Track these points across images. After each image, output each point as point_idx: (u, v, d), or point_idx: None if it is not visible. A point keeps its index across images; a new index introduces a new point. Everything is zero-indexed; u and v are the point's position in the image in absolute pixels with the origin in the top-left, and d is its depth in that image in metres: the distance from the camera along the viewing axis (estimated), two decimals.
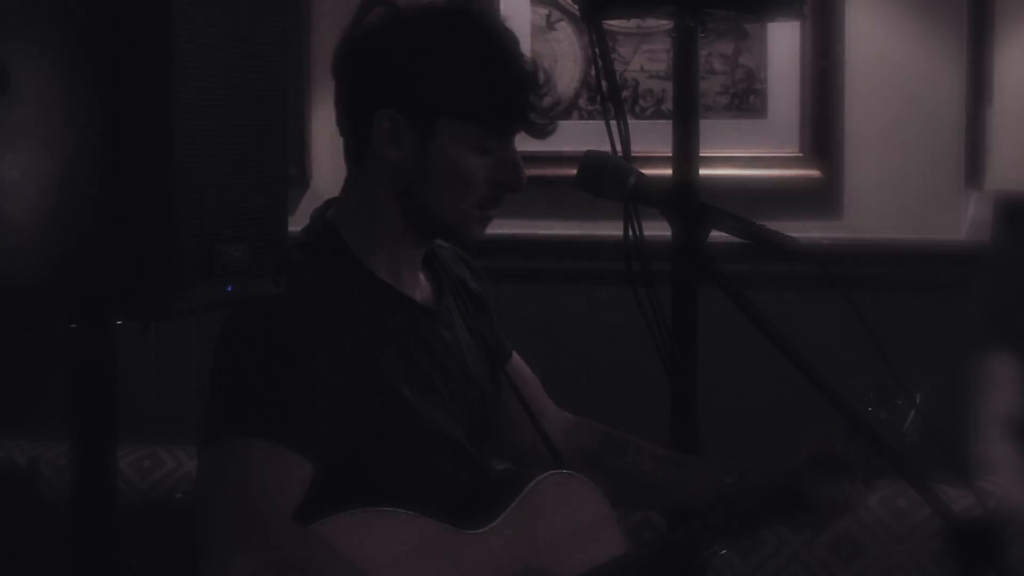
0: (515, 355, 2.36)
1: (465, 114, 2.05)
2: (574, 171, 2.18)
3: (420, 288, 2.17)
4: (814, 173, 3.35)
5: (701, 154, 2.63)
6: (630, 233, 2.41)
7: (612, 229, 2.45)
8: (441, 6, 2.12)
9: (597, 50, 2.53)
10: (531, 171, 3.40)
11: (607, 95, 2.54)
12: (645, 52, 3.43)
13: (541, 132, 2.13)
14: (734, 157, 3.36)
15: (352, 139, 2.15)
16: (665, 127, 2.64)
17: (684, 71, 2.61)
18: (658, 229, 2.32)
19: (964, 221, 3.39)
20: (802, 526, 2.31)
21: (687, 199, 2.40)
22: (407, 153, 2.07)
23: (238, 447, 1.89)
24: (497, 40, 2.09)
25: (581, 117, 3.46)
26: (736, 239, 2.13)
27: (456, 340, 2.18)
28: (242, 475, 1.88)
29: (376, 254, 2.11)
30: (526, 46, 3.45)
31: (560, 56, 3.47)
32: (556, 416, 2.38)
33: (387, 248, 2.12)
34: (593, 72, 2.59)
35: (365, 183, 2.13)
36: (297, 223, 2.16)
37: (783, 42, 3.35)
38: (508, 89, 2.07)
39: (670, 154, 2.64)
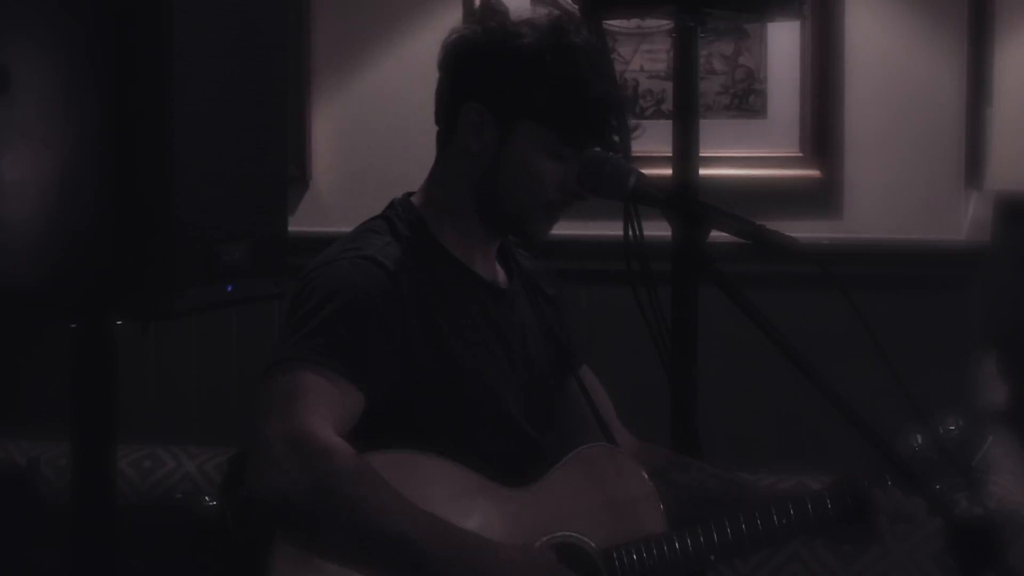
0: (587, 367, 2.43)
1: (546, 120, 2.17)
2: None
3: (490, 269, 2.27)
4: (814, 173, 3.35)
5: (701, 154, 2.63)
6: (630, 233, 2.41)
7: (612, 229, 2.45)
8: (547, 18, 2.25)
9: None
10: None
11: None
12: (645, 52, 3.43)
13: (614, 150, 2.23)
14: (734, 157, 3.36)
15: (443, 126, 2.26)
16: (665, 127, 2.64)
17: (684, 71, 2.61)
18: (658, 229, 2.31)
19: (964, 221, 3.39)
20: (856, 540, 2.32)
21: (687, 199, 2.40)
22: (487, 146, 2.19)
23: (299, 370, 1.98)
24: (592, 57, 2.21)
25: None
26: (736, 239, 2.13)
27: (520, 323, 2.27)
28: (300, 392, 1.96)
29: (451, 235, 2.22)
30: None
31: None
32: (624, 434, 2.42)
33: (462, 231, 2.23)
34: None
35: (447, 169, 2.24)
36: (297, 223, 2.17)
37: (783, 42, 3.35)
38: (592, 106, 2.19)
39: (670, 154, 2.64)
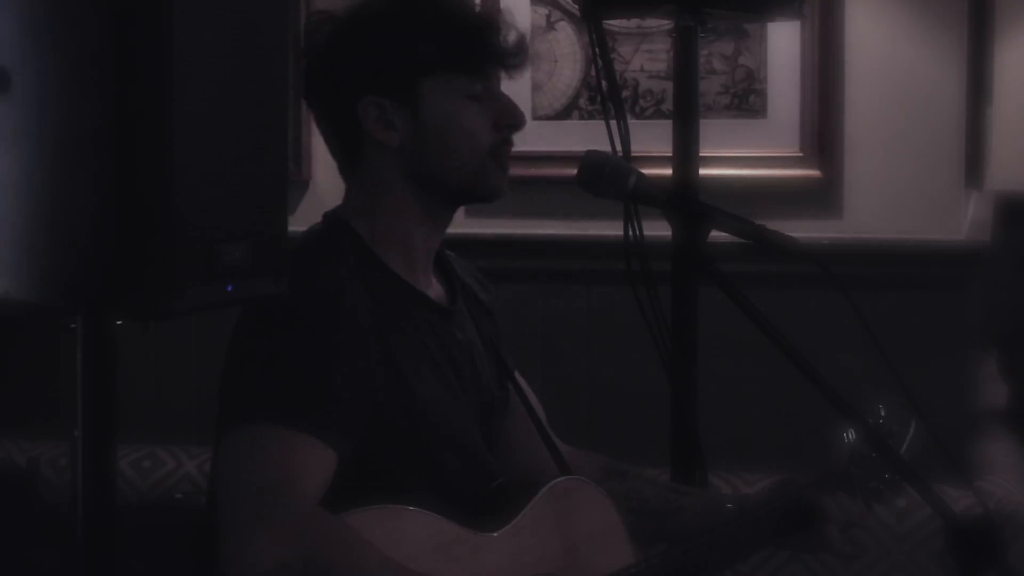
0: (517, 373, 2.36)
1: (441, 67, 2.08)
2: (574, 171, 2.18)
3: (433, 288, 2.19)
4: (814, 173, 3.35)
5: (701, 154, 2.63)
6: (630, 233, 2.41)
7: (612, 229, 2.45)
8: None
9: (597, 50, 2.53)
10: (531, 171, 3.41)
11: (607, 95, 2.54)
12: (645, 52, 3.43)
13: (516, 65, 2.16)
14: (734, 157, 3.36)
15: (343, 143, 2.17)
16: (665, 127, 2.64)
17: (684, 71, 2.61)
18: (658, 229, 2.32)
19: (964, 221, 3.39)
20: (803, 548, 2.29)
21: (687, 199, 2.40)
22: (403, 131, 2.10)
23: (263, 433, 1.89)
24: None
25: (581, 117, 3.46)
26: (736, 239, 2.13)
27: (468, 343, 2.20)
28: (267, 460, 1.87)
29: (391, 249, 2.13)
30: None
31: (560, 56, 3.47)
32: (558, 442, 2.39)
33: (402, 242, 2.14)
34: (593, 72, 2.59)
35: (369, 179, 2.15)
36: (297, 223, 2.16)
37: (783, 42, 3.35)
38: (472, 30, 2.11)
39: (670, 154, 2.64)
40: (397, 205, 2.13)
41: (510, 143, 2.15)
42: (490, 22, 2.13)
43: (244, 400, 1.94)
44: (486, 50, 2.11)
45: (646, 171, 2.19)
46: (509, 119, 2.13)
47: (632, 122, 2.54)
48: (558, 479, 2.19)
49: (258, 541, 1.80)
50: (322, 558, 1.81)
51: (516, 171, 3.48)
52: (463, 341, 2.18)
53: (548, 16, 3.47)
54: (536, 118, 3.47)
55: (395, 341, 2.05)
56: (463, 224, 3.48)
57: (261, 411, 1.90)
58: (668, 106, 3.29)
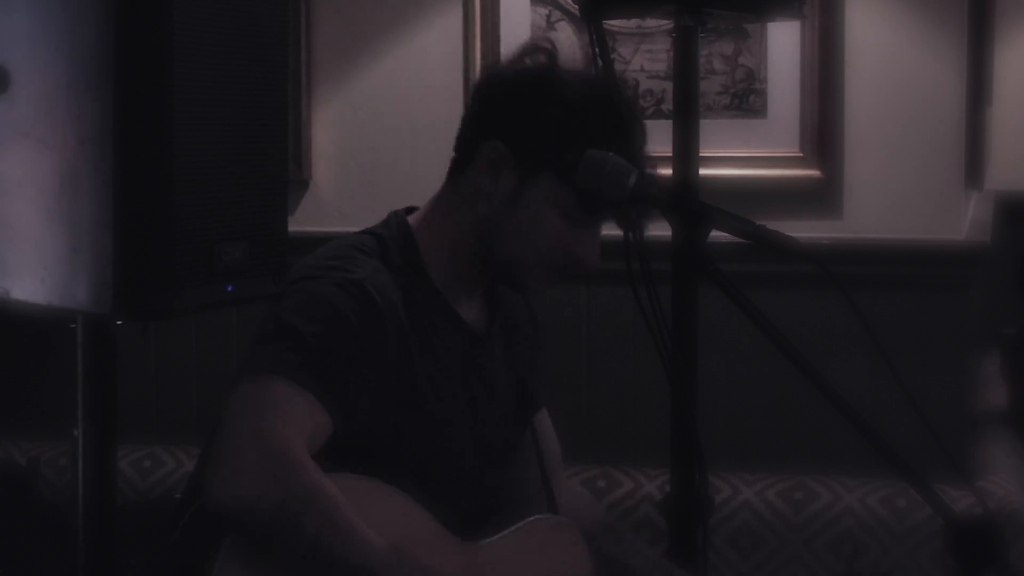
0: (544, 411, 2.38)
1: (570, 179, 2.07)
2: None
3: (473, 310, 2.20)
4: (814, 173, 3.35)
5: (701, 154, 2.63)
6: (630, 233, 2.41)
7: (612, 229, 2.45)
8: (595, 78, 2.17)
9: (597, 50, 2.53)
10: None
11: None
12: (645, 52, 3.43)
13: (629, 226, 2.21)
14: (734, 157, 3.36)
15: (459, 156, 2.18)
16: (665, 127, 2.64)
17: (684, 71, 2.61)
18: (658, 229, 2.31)
19: (964, 221, 3.39)
20: None
21: (687, 199, 2.40)
22: (500, 188, 2.10)
23: (275, 383, 1.92)
24: (634, 127, 2.13)
25: None
26: (736, 239, 2.13)
27: (492, 371, 2.21)
28: (268, 405, 1.90)
29: (442, 268, 2.15)
30: None
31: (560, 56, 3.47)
32: (567, 487, 2.41)
33: (454, 266, 2.15)
34: (593, 72, 2.58)
35: (453, 199, 2.17)
36: (297, 223, 2.17)
37: (783, 42, 3.35)
38: (628, 172, 2.08)
39: (670, 154, 2.64)
40: (457, 235, 2.15)
41: (564, 272, 2.16)
42: (649, 182, 2.11)
43: (260, 358, 1.96)
44: (620, 198, 2.07)
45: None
46: (581, 258, 2.14)
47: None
48: (543, 516, 2.21)
49: (245, 472, 1.84)
50: (298, 503, 1.84)
51: None
52: (486, 367, 2.20)
53: (548, 16, 3.47)
54: None
55: (417, 351, 2.07)
56: None
57: (278, 365, 1.94)
58: (668, 106, 3.28)
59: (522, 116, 2.10)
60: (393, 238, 2.15)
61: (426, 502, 2.03)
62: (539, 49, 2.16)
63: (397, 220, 2.19)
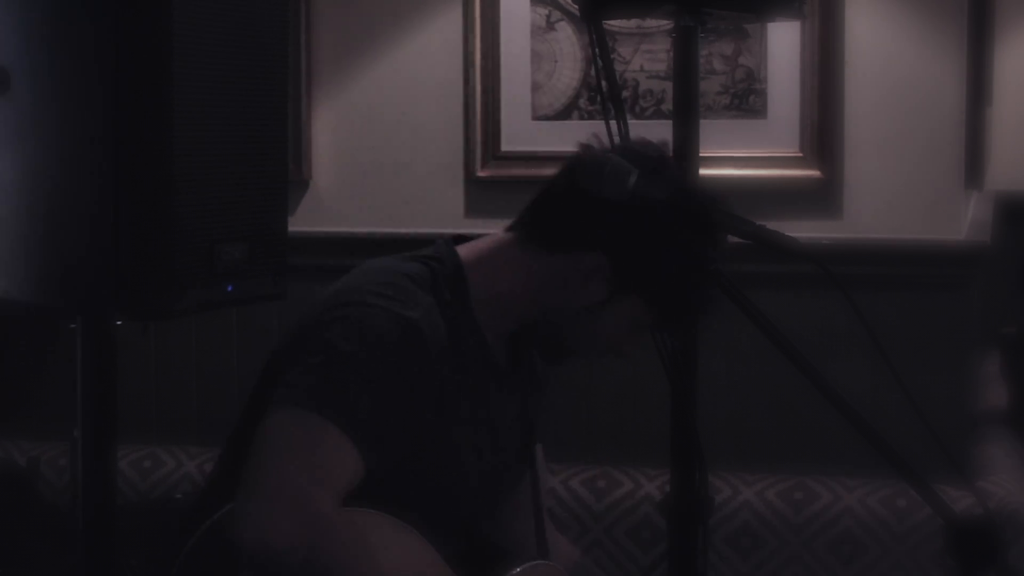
0: (539, 446, 2.37)
1: (655, 303, 2.10)
2: None
3: (501, 348, 2.19)
4: (814, 173, 3.35)
5: (701, 154, 2.63)
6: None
7: None
8: (713, 216, 2.12)
9: (597, 50, 2.53)
10: (531, 171, 3.41)
11: (607, 95, 2.53)
12: (645, 52, 3.43)
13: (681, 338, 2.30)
14: (734, 157, 3.36)
15: (547, 231, 2.12)
16: (665, 127, 2.64)
17: (684, 71, 2.61)
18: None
19: (964, 221, 3.39)
20: None
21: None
22: (586, 296, 2.09)
23: (314, 422, 1.91)
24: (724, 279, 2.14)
25: (581, 117, 3.46)
26: (736, 239, 2.13)
27: (511, 408, 2.22)
28: (308, 447, 1.90)
29: (485, 306, 2.12)
30: (526, 46, 3.46)
31: (560, 56, 3.47)
32: (551, 529, 2.39)
33: (497, 311, 2.13)
34: (593, 72, 2.59)
35: (523, 264, 2.13)
36: (297, 223, 2.16)
37: (783, 42, 3.35)
38: (701, 311, 2.16)
39: (670, 154, 2.63)
40: (514, 295, 2.13)
41: (603, 356, 2.23)
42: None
43: (308, 387, 1.94)
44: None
45: None
46: (619, 355, 2.20)
47: (632, 122, 2.54)
48: (537, 562, 2.21)
49: (276, 522, 1.84)
50: (326, 556, 1.85)
51: (516, 171, 3.51)
52: (507, 405, 2.20)
53: (548, 16, 3.47)
54: (536, 118, 3.48)
55: (452, 391, 2.07)
56: (463, 224, 3.49)
57: (319, 405, 1.93)
58: (668, 106, 3.28)
59: (643, 248, 2.08)
60: (445, 273, 2.11)
61: (429, 535, 2.03)
62: (655, 164, 2.13)
63: (449, 253, 2.14)
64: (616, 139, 2.50)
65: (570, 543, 2.51)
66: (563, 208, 2.12)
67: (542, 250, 2.11)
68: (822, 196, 3.36)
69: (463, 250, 2.15)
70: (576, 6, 3.35)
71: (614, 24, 3.34)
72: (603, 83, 2.53)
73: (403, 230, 3.51)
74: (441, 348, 2.03)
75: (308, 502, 1.85)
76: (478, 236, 2.20)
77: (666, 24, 3.07)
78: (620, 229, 2.07)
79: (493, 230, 2.12)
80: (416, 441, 2.03)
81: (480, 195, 3.50)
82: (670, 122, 2.66)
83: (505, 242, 2.15)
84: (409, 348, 1.98)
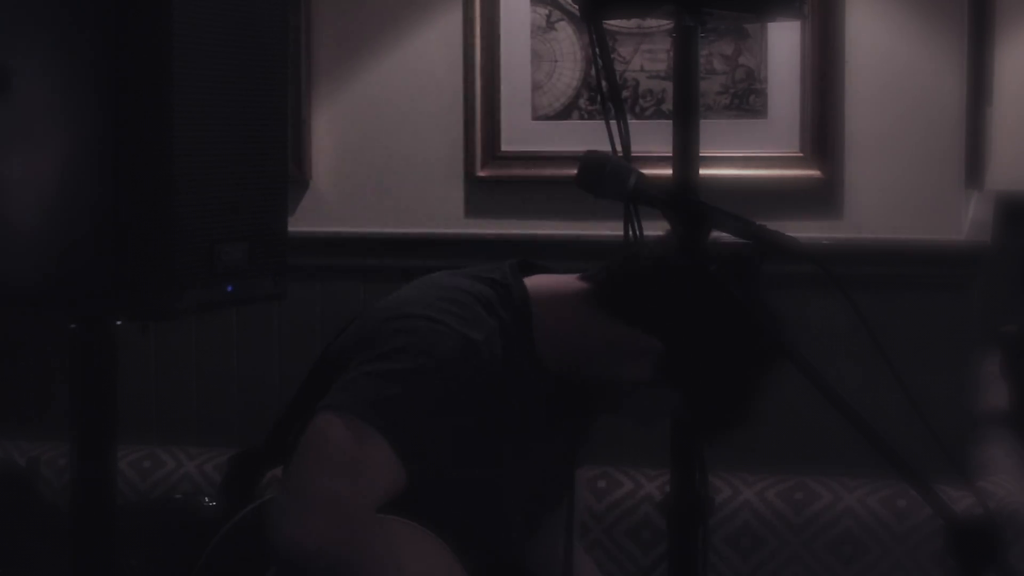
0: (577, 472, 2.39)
1: (694, 412, 2.18)
2: (574, 171, 2.18)
3: (552, 383, 2.20)
4: (814, 173, 3.35)
5: (701, 154, 2.62)
6: (630, 233, 2.41)
7: (612, 229, 2.44)
8: (767, 347, 2.12)
9: (597, 50, 2.52)
10: (531, 171, 3.41)
11: (607, 95, 2.53)
12: (645, 52, 3.43)
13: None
14: (734, 157, 3.36)
15: (625, 298, 2.16)
16: (665, 127, 2.64)
17: (684, 71, 2.60)
18: (658, 229, 2.31)
19: (964, 221, 3.39)
20: None
21: (687, 199, 2.39)
22: (632, 372, 2.13)
23: (363, 430, 1.94)
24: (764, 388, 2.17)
25: (581, 117, 3.46)
26: (736, 239, 2.13)
27: (555, 442, 2.23)
28: (353, 454, 1.92)
29: (544, 341, 2.14)
30: (526, 46, 3.46)
31: (560, 56, 3.47)
32: (580, 552, 2.42)
33: (555, 349, 2.15)
34: (593, 72, 2.58)
35: (591, 319, 2.15)
36: (297, 223, 2.16)
37: (783, 42, 3.35)
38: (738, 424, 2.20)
39: (670, 154, 2.64)
40: (573, 344, 2.15)
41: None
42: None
43: (367, 398, 1.96)
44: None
45: (646, 171, 2.19)
46: (639, 425, 2.27)
47: (632, 122, 2.54)
48: None
49: (313, 520, 1.87)
50: (355, 562, 1.89)
51: (516, 171, 3.51)
52: (550, 446, 2.21)
53: (548, 16, 3.47)
54: (536, 118, 3.48)
55: (500, 423, 2.09)
56: (463, 224, 3.49)
57: (375, 417, 1.95)
58: (668, 106, 3.28)
59: (701, 347, 2.11)
60: (511, 300, 2.13)
61: (459, 554, 2.05)
62: (746, 266, 2.15)
63: (516, 282, 2.16)
64: (616, 139, 2.50)
65: (596, 569, 2.51)
66: (643, 286, 2.15)
67: (609, 313, 2.13)
68: (822, 196, 3.36)
69: (530, 282, 2.18)
70: (576, 6, 3.35)
71: (614, 24, 3.34)
72: (603, 83, 2.53)
73: (403, 230, 3.51)
74: (498, 372, 2.05)
75: (344, 507, 1.88)
76: (541, 266, 2.24)
77: (666, 24, 3.06)
78: (683, 330, 2.10)
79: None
80: (459, 460, 2.04)
81: (480, 195, 3.50)
82: (670, 122, 2.66)
83: (575, 289, 2.19)
84: (467, 368, 2.01)
